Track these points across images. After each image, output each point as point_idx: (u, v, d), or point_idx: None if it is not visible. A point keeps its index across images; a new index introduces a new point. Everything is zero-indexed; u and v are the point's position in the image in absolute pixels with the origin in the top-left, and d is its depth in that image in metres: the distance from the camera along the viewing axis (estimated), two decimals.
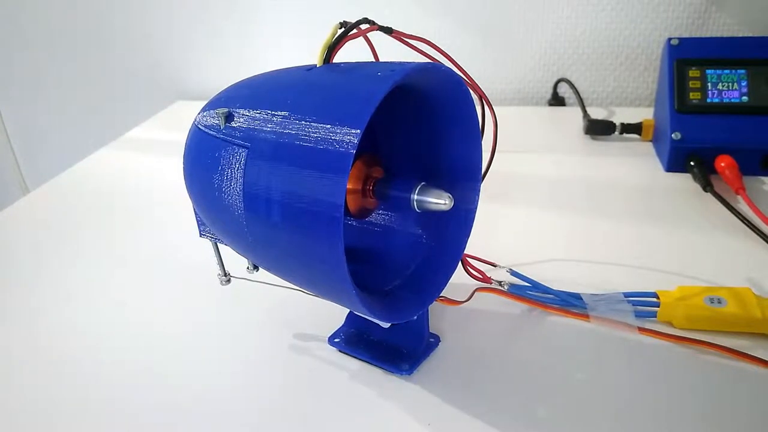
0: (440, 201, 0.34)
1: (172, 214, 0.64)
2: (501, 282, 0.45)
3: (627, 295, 0.43)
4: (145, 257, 0.57)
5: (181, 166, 0.39)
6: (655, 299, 0.43)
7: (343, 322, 0.44)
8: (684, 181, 0.64)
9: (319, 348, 0.43)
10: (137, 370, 0.42)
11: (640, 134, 0.75)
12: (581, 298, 0.44)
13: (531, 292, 0.45)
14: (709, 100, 0.65)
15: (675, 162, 0.66)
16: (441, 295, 0.39)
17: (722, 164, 0.62)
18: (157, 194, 0.70)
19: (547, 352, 0.41)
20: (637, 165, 0.69)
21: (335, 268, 0.30)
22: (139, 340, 0.45)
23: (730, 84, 0.65)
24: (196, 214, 0.41)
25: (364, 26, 0.34)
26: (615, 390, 0.38)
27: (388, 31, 0.35)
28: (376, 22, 0.34)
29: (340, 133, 0.29)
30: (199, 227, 0.42)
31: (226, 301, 0.48)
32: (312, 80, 0.33)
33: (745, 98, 0.64)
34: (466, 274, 0.43)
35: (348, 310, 0.43)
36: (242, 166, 0.33)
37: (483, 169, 0.39)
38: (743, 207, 0.57)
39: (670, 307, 0.42)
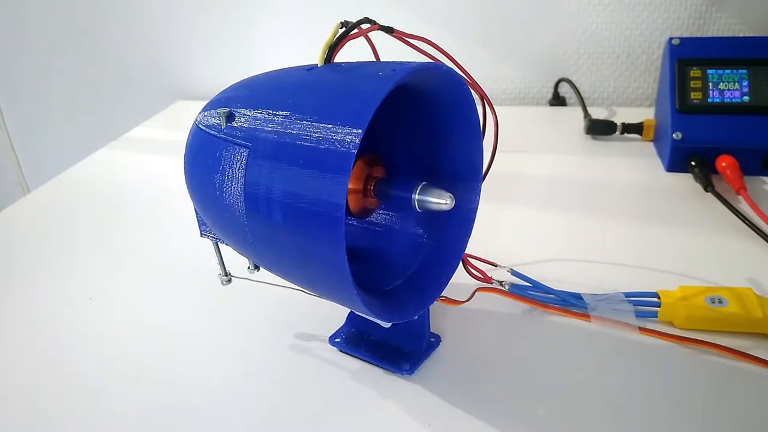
0: (441, 201, 0.34)
1: (172, 214, 0.64)
2: (502, 282, 0.45)
3: (628, 295, 0.43)
4: (146, 257, 0.57)
5: (182, 166, 0.39)
6: (656, 299, 0.43)
7: (343, 322, 0.44)
8: (685, 180, 0.64)
9: (319, 348, 0.42)
10: (137, 369, 0.42)
11: (641, 134, 0.75)
12: (582, 298, 0.44)
13: (532, 292, 0.45)
14: (710, 100, 0.65)
15: (676, 162, 0.66)
16: (442, 294, 0.39)
17: (723, 164, 0.62)
18: (157, 194, 0.70)
19: (548, 352, 0.41)
20: (638, 165, 0.69)
21: (336, 268, 0.30)
22: (139, 340, 0.45)
23: (732, 84, 0.65)
24: (197, 213, 0.41)
25: (365, 26, 0.34)
26: (615, 390, 0.38)
27: (389, 30, 0.35)
28: (377, 21, 0.34)
29: (341, 133, 0.29)
30: (200, 227, 0.42)
31: (226, 301, 0.48)
32: (313, 80, 0.33)
33: (746, 98, 0.64)
34: (466, 273, 0.43)
35: (349, 310, 0.43)
36: (243, 166, 0.33)
37: (484, 169, 0.39)
38: (744, 207, 0.57)
39: (671, 307, 0.42)
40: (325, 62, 0.34)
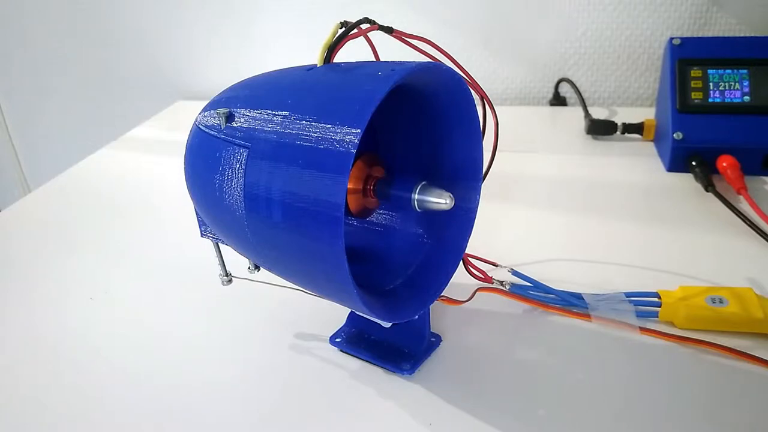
0: (441, 200, 0.34)
1: (172, 215, 0.64)
2: (502, 282, 0.45)
3: (628, 294, 0.43)
4: (146, 257, 0.57)
5: (182, 166, 0.39)
6: (656, 299, 0.43)
7: (344, 322, 0.44)
8: (685, 180, 0.64)
9: (320, 348, 0.42)
10: (138, 370, 0.42)
11: (641, 134, 0.75)
12: (582, 298, 0.44)
13: (532, 292, 0.45)
14: (710, 100, 0.65)
15: (676, 162, 0.65)
16: (442, 294, 0.39)
17: (724, 164, 0.62)
18: (157, 194, 0.70)
19: (548, 352, 0.41)
20: (638, 165, 0.69)
21: (336, 268, 0.30)
22: (139, 340, 0.45)
23: (732, 84, 0.65)
24: (197, 214, 0.41)
25: (364, 26, 0.34)
26: (616, 390, 0.38)
27: (388, 30, 0.35)
28: (376, 21, 0.34)
29: (340, 132, 0.29)
30: (200, 227, 0.42)
31: (227, 301, 0.48)
32: (312, 80, 0.33)
33: (746, 98, 0.64)
34: (467, 273, 0.43)
35: (349, 310, 0.43)
36: (243, 166, 0.33)
37: (484, 169, 0.39)
38: (745, 207, 0.57)
39: (671, 307, 0.42)
40: (324, 62, 0.34)
